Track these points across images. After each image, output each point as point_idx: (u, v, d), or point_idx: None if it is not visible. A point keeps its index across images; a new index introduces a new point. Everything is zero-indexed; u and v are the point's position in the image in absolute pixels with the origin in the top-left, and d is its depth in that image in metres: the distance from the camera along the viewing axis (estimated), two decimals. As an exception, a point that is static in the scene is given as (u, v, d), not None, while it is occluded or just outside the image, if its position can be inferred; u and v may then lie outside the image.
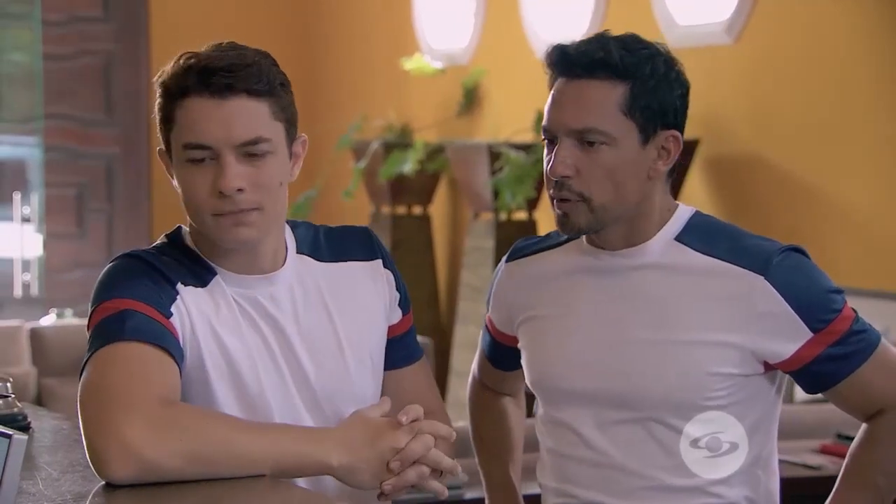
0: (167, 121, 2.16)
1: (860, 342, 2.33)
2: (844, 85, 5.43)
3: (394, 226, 7.28)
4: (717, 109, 5.81)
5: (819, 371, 2.33)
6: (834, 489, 2.41)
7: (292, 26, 8.40)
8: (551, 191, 2.35)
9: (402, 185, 7.18)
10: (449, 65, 7.40)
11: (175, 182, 2.19)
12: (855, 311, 2.35)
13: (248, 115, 2.12)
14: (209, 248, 2.21)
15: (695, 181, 5.91)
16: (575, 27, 6.49)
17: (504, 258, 2.56)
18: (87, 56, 8.16)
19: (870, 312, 4.58)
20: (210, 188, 2.13)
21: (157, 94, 2.17)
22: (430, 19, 7.70)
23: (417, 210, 7.38)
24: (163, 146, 2.20)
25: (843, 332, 2.32)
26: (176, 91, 2.14)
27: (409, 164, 6.97)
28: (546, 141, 2.37)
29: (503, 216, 6.63)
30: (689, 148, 5.69)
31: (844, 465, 2.41)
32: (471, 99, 7.33)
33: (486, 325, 2.61)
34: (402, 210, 7.34)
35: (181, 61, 2.15)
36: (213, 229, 2.16)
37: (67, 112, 8.12)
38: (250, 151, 2.13)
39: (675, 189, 5.64)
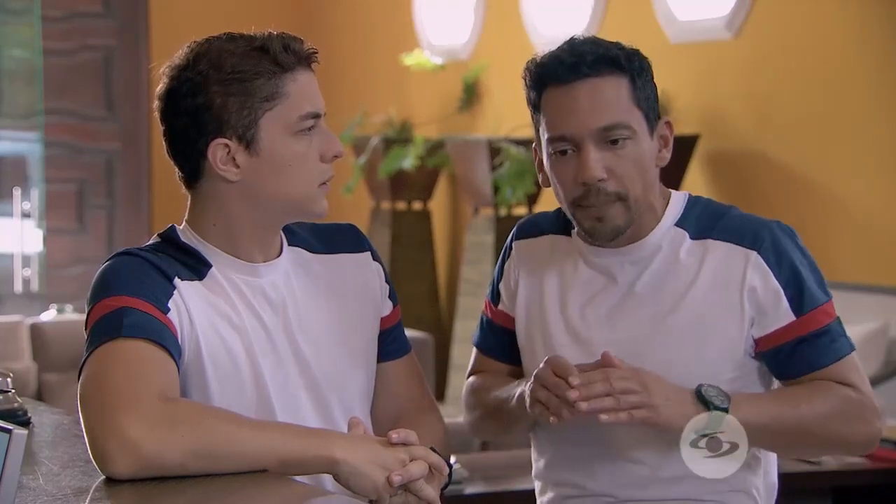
0: (274, 97, 2.19)
1: (834, 343, 2.34)
2: (844, 80, 5.43)
3: (394, 221, 7.28)
4: (717, 105, 5.80)
5: (790, 358, 2.33)
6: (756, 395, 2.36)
7: (292, 22, 8.39)
8: (578, 198, 2.32)
9: (403, 180, 7.18)
10: (449, 60, 7.40)
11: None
12: (838, 318, 2.36)
13: None
14: (222, 234, 2.23)
15: (695, 176, 5.91)
16: (575, 22, 6.49)
17: (512, 235, 2.54)
18: (88, 51, 8.15)
19: (870, 307, 4.58)
20: (319, 155, 2.23)
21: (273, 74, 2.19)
22: (430, 15, 7.70)
23: (417, 206, 7.38)
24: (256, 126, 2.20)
25: (823, 324, 2.33)
26: (277, 68, 2.18)
27: (409, 160, 6.97)
28: (556, 153, 2.33)
29: (503, 211, 6.62)
30: (689, 143, 5.68)
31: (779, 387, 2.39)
32: (471, 94, 7.33)
33: (484, 315, 2.61)
34: (402, 206, 7.34)
35: (257, 45, 2.18)
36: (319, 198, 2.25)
37: (68, 108, 8.12)
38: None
39: (675, 185, 5.70)
